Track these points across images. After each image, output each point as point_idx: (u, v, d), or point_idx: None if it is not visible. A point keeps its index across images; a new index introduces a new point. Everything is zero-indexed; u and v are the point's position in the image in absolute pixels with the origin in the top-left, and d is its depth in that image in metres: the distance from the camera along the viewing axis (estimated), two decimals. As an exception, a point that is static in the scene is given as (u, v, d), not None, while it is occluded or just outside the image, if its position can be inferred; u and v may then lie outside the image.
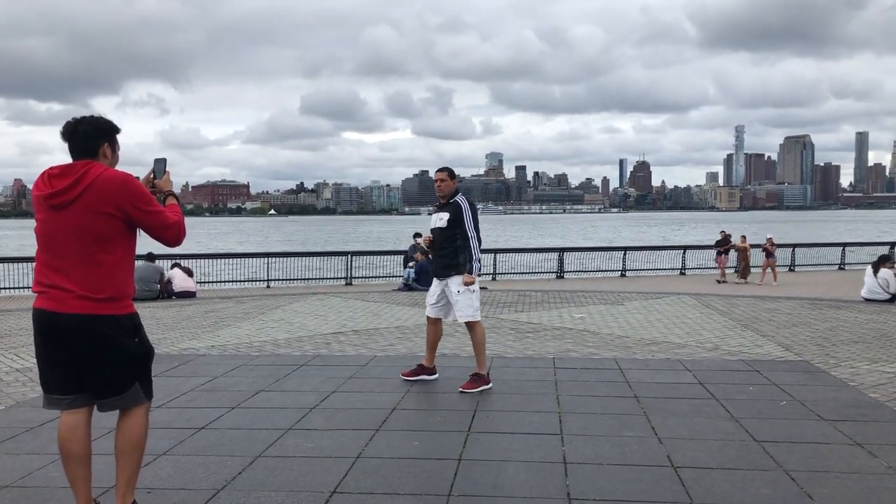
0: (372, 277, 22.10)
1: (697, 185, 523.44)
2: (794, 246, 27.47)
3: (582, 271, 23.96)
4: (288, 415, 4.97)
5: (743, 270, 21.17)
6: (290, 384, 5.93)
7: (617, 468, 3.91)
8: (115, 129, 3.15)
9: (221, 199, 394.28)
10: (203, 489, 3.64)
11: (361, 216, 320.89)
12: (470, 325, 5.88)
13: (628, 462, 4.00)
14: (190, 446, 4.33)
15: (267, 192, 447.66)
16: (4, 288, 17.77)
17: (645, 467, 3.92)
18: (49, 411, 3.30)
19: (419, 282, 15.88)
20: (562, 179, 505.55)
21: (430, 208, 6.22)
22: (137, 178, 3.32)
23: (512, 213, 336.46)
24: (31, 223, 3.25)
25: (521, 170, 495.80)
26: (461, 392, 5.60)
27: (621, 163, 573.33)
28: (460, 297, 5.76)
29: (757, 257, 21.76)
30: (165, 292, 14.53)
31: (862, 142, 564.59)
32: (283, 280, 21.04)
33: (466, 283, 5.75)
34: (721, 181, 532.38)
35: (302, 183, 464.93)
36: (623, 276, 23.70)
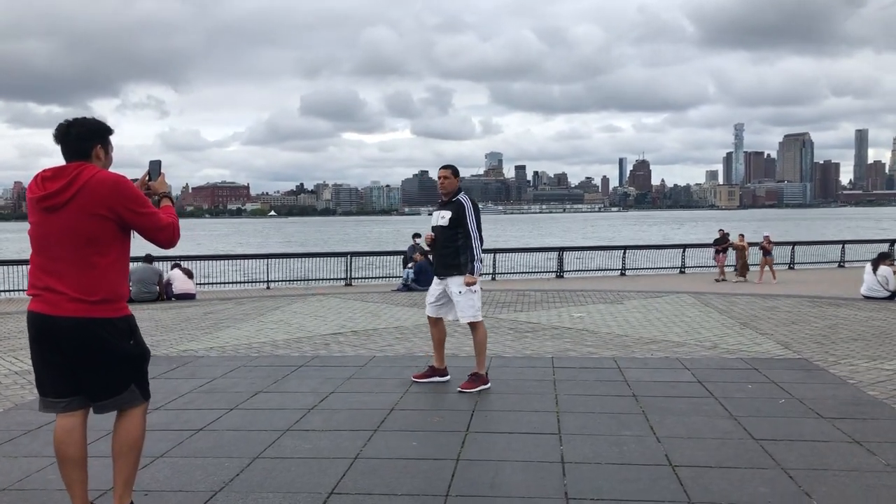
0: (371, 278, 22.11)
1: (697, 184, 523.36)
2: (794, 244, 27.46)
3: (581, 270, 23.96)
4: (286, 416, 4.97)
5: (741, 269, 21.17)
6: (289, 385, 5.93)
7: (615, 467, 3.90)
8: (108, 131, 3.14)
9: (221, 200, 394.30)
10: (201, 491, 3.64)
11: (361, 217, 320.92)
12: (472, 326, 5.85)
13: (626, 461, 4.00)
14: (188, 448, 4.33)
15: (267, 193, 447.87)
16: (4, 290, 17.77)
17: (643, 466, 3.91)
18: (46, 414, 3.30)
19: (418, 282, 15.88)
20: (561, 179, 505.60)
21: (431, 208, 6.19)
22: (135, 179, 3.33)
23: (512, 213, 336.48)
24: (33, 226, 3.24)
25: (520, 169, 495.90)
26: (459, 392, 5.59)
27: (621, 162, 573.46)
28: (461, 298, 5.73)
29: (755, 256, 21.75)
30: (165, 294, 14.51)
31: (861, 139, 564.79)
32: (282, 281, 21.04)
33: (468, 284, 5.73)
34: (721, 180, 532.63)
35: (302, 184, 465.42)
36: (623, 275, 23.69)
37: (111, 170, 3.14)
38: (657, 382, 5.88)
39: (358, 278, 21.60)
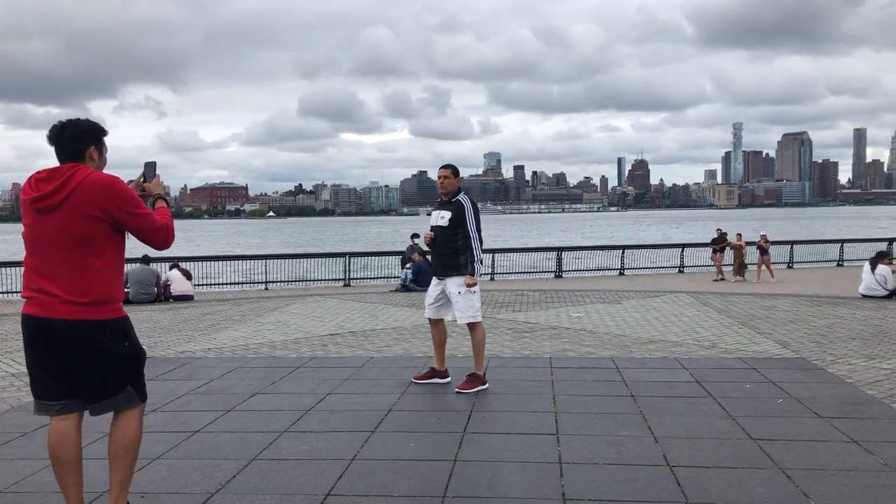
0: (370, 278, 22.10)
1: (696, 183, 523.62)
2: (793, 243, 27.48)
3: (580, 270, 23.96)
4: (283, 417, 4.96)
5: (738, 268, 21.17)
6: (286, 386, 5.92)
7: (612, 468, 3.90)
8: (102, 132, 3.13)
9: (220, 201, 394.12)
10: (197, 493, 3.63)
11: (360, 217, 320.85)
12: (471, 326, 5.83)
13: (624, 462, 3.99)
14: (185, 450, 4.32)
15: (265, 193, 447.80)
16: (1, 292, 17.76)
17: (641, 467, 3.91)
18: (43, 417, 3.29)
19: (417, 282, 15.88)
20: (560, 179, 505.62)
21: (430, 208, 6.16)
22: (130, 181, 3.32)
23: (510, 213, 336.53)
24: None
25: (519, 169, 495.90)
26: (457, 392, 5.59)
27: (619, 161, 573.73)
28: (461, 298, 5.71)
29: (752, 255, 21.76)
30: (163, 296, 14.50)
31: (860, 138, 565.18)
32: (281, 282, 21.03)
33: (469, 285, 5.70)
34: (719, 179, 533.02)
35: (300, 184, 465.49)
36: (621, 274, 23.70)
37: (105, 171, 3.13)
38: (655, 382, 5.87)
39: (356, 279, 21.60)
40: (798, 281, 19.83)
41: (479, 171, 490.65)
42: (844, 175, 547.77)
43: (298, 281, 21.17)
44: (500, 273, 22.94)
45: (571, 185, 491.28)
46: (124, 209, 3.00)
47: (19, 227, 3.13)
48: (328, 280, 21.27)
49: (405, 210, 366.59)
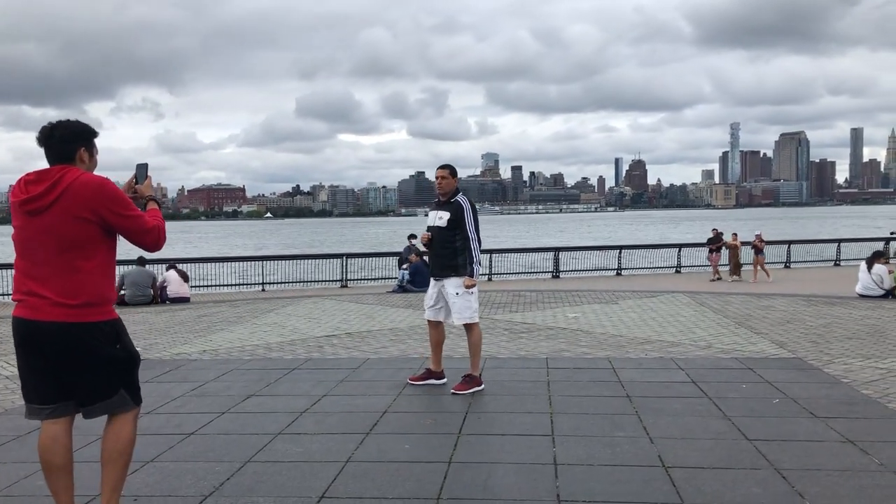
0: (367, 279, 22.08)
1: (693, 183, 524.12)
2: (790, 243, 27.51)
3: (578, 271, 23.96)
4: (278, 419, 4.94)
5: (734, 268, 21.18)
6: (281, 388, 5.90)
7: (608, 469, 3.89)
8: (93, 133, 3.11)
9: (217, 202, 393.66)
10: (190, 496, 3.61)
11: (358, 218, 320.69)
12: (467, 327, 5.81)
13: (619, 462, 3.98)
14: (178, 452, 4.30)
15: (263, 195, 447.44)
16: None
17: (636, 468, 3.90)
18: (35, 420, 3.27)
19: (414, 283, 15.87)
20: (558, 179, 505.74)
21: (428, 209, 6.13)
22: (117, 182, 3.30)
23: (508, 214, 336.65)
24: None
25: (517, 170, 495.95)
26: (453, 393, 5.57)
27: (617, 162, 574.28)
28: (458, 299, 5.70)
29: (748, 255, 21.79)
30: (159, 297, 14.46)
31: (857, 138, 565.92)
32: (278, 283, 21.00)
33: (468, 286, 5.69)
34: (717, 179, 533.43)
35: (298, 185, 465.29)
36: (619, 274, 23.70)
37: (100, 173, 3.11)
38: (651, 383, 5.86)
39: (354, 280, 21.57)
40: (795, 280, 19.84)
41: (477, 172, 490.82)
42: (841, 175, 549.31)
43: (296, 282, 21.15)
44: (497, 273, 22.92)
45: (569, 186, 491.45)
46: (115, 211, 2.98)
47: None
48: (325, 281, 21.25)
49: (403, 211, 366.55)
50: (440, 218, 5.78)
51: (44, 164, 3.05)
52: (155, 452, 4.26)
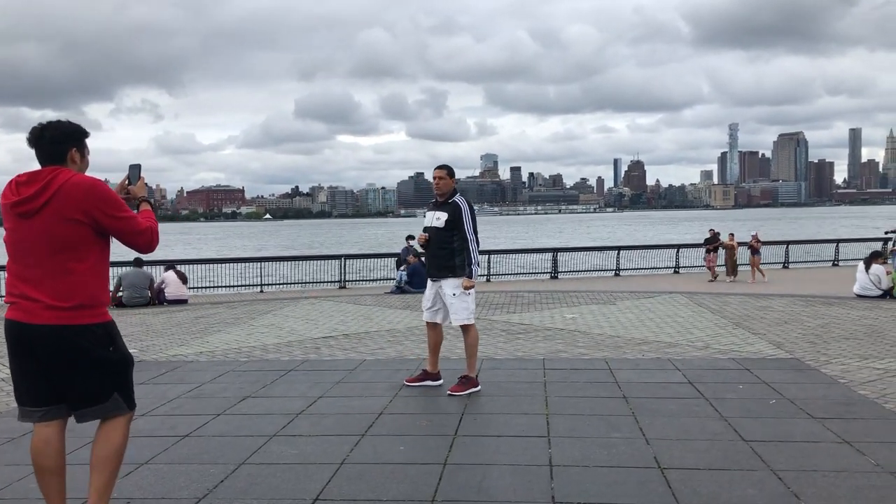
0: (366, 280, 22.06)
1: (692, 184, 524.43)
2: (788, 243, 27.51)
3: (576, 271, 23.95)
4: (274, 421, 4.92)
5: (731, 268, 21.17)
6: (277, 390, 5.89)
7: (603, 470, 3.87)
8: (84, 134, 3.09)
9: (216, 204, 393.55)
10: (184, 498, 3.60)
11: (357, 219, 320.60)
12: (464, 328, 5.80)
13: (615, 464, 3.97)
14: (173, 454, 4.28)
15: (262, 196, 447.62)
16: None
17: (631, 469, 3.88)
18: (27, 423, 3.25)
19: (412, 284, 15.85)
20: (557, 180, 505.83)
21: (426, 209, 6.11)
22: (108, 181, 3.28)
23: (507, 214, 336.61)
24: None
25: (516, 171, 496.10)
26: (449, 395, 5.56)
27: (616, 162, 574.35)
28: (456, 300, 5.68)
29: (744, 255, 21.80)
30: (157, 299, 14.44)
31: (855, 138, 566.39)
32: (276, 284, 20.98)
33: (467, 288, 5.67)
34: (715, 179, 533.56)
35: (297, 187, 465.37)
36: (617, 275, 23.70)
37: (98, 174, 3.09)
38: (648, 383, 5.85)
39: (352, 281, 21.55)
40: (793, 281, 19.84)
41: (476, 173, 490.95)
42: (840, 175, 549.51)
43: (294, 283, 21.13)
44: (495, 274, 22.91)
45: (568, 187, 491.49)
46: (107, 212, 2.96)
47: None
48: (324, 282, 21.23)
49: (402, 212, 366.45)
50: (438, 218, 5.76)
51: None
52: (149, 454, 4.25)
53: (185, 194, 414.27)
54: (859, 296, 12.61)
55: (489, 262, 22.61)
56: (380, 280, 21.48)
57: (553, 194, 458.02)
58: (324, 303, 12.69)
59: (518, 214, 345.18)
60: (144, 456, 4.21)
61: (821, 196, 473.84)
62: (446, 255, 5.73)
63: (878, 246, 23.40)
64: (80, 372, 2.95)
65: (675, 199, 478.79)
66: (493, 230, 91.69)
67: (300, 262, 22.39)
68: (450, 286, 5.71)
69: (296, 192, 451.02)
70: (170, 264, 16.43)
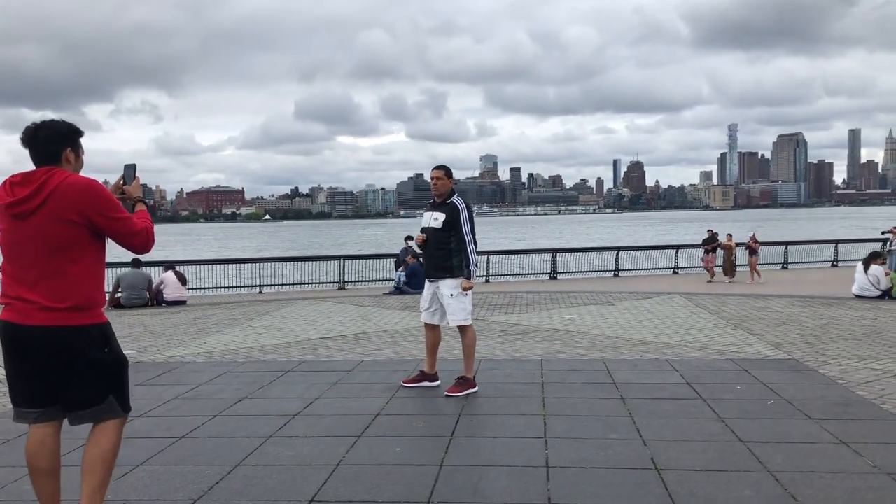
0: (364, 281, 22.05)
1: (691, 185, 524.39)
2: (787, 243, 27.50)
3: (575, 272, 23.94)
4: (270, 422, 4.91)
5: (729, 269, 21.16)
6: (275, 391, 5.87)
7: (600, 471, 3.86)
8: (78, 133, 3.07)
9: (216, 205, 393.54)
10: (179, 500, 3.58)
11: (357, 220, 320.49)
12: (461, 329, 5.79)
13: (611, 465, 3.95)
14: (168, 456, 4.27)
15: (262, 197, 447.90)
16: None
17: (628, 470, 3.87)
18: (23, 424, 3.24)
19: (410, 285, 15.84)
20: (556, 181, 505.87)
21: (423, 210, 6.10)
22: (106, 182, 3.27)
23: (507, 215, 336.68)
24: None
25: (515, 171, 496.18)
26: (446, 396, 5.55)
27: (615, 163, 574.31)
28: (453, 301, 5.67)
29: (742, 256, 21.79)
30: (155, 300, 14.42)
31: (855, 139, 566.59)
32: (275, 285, 20.96)
33: (465, 289, 5.66)
34: (715, 180, 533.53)
35: (297, 188, 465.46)
36: (616, 276, 23.69)
37: (96, 176, 3.08)
38: (645, 384, 5.84)
39: (351, 282, 21.54)
40: (792, 281, 19.83)
41: (476, 174, 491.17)
42: (839, 176, 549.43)
43: (293, 284, 21.12)
44: (495, 275, 22.90)
45: (567, 188, 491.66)
46: (103, 213, 2.95)
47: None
48: (323, 283, 21.22)
49: (402, 212, 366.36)
50: (435, 219, 5.75)
51: None
52: (144, 456, 4.23)
53: (184, 195, 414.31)
54: (858, 296, 12.59)
55: (488, 263, 22.60)
56: (379, 281, 21.46)
57: (553, 195, 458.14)
58: (322, 304, 12.67)
59: (518, 215, 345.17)
60: (140, 457, 4.19)
61: (820, 197, 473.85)
62: (444, 255, 5.71)
63: (877, 247, 23.38)
64: (76, 373, 2.94)
65: (674, 199, 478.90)
66: (492, 231, 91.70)
67: (299, 263, 22.38)
68: (447, 287, 5.69)
69: (295, 192, 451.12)
70: (169, 265, 16.40)
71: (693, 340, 7.93)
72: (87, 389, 2.97)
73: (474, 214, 5.97)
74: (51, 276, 2.89)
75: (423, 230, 5.87)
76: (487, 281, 21.81)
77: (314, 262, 22.42)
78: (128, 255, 10.78)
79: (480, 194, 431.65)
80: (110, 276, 14.97)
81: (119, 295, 13.96)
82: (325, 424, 4.86)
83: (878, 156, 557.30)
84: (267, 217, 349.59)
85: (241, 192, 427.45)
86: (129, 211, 3.18)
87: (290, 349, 7.86)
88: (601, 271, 24.10)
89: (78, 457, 3.87)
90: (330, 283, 21.16)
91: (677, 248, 26.08)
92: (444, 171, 5.87)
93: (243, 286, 20.90)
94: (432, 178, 5.90)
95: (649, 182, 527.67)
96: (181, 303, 14.62)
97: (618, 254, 24.75)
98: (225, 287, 20.62)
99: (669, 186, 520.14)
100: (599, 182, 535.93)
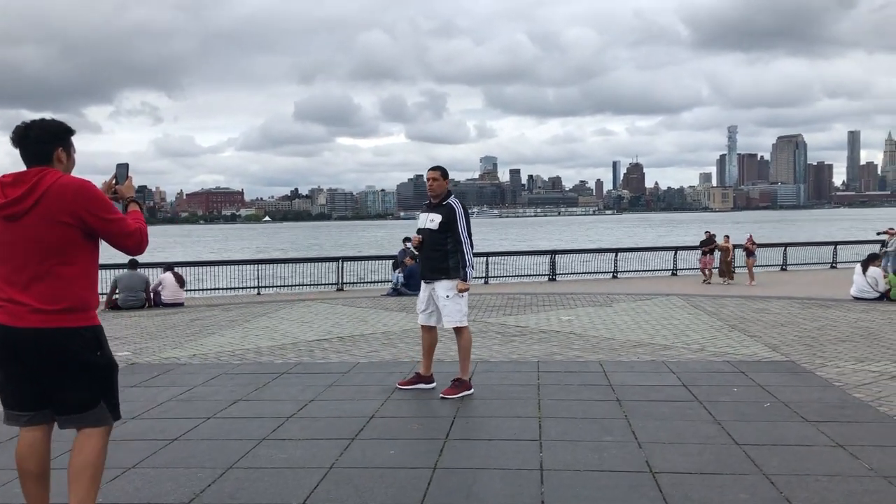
0: (363, 282, 22.01)
1: (691, 186, 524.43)
2: (786, 245, 27.49)
3: (574, 273, 23.92)
4: (264, 424, 4.88)
5: (726, 270, 21.14)
6: (269, 393, 5.85)
7: (594, 474, 3.84)
8: (69, 132, 3.03)
9: (216, 206, 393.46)
10: (170, 503, 3.56)
11: (356, 221, 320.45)
12: (457, 331, 5.77)
13: (606, 468, 3.93)
14: (161, 458, 4.24)
15: (261, 198, 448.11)
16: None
17: (623, 473, 3.85)
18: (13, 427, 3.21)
19: (408, 286, 15.81)
20: (556, 182, 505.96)
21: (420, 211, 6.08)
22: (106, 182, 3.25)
23: (506, 217, 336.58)
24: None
25: (515, 173, 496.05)
26: (442, 398, 5.52)
27: (615, 165, 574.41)
28: (449, 302, 5.65)
29: (740, 258, 21.76)
30: (153, 301, 14.39)
31: (854, 140, 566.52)
32: (273, 287, 20.92)
33: (461, 290, 5.64)
34: (714, 182, 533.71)
35: (296, 189, 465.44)
36: (615, 277, 23.67)
37: (93, 177, 3.05)
38: (642, 386, 5.81)
39: (349, 283, 21.51)
40: (790, 283, 19.81)
41: (476, 175, 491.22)
42: (839, 177, 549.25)
43: (291, 286, 21.08)
44: (494, 277, 22.87)
45: (567, 189, 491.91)
46: (96, 214, 2.91)
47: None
48: (321, 285, 21.18)
49: (402, 214, 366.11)
50: (431, 220, 5.73)
51: None
52: (136, 458, 4.20)
53: (184, 197, 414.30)
54: (856, 298, 12.58)
55: (487, 264, 22.58)
56: (377, 282, 21.43)
57: (552, 197, 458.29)
58: (319, 305, 12.65)
59: (517, 217, 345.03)
60: (132, 460, 4.17)
61: (820, 198, 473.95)
62: (440, 257, 5.69)
63: (875, 248, 23.36)
64: (70, 375, 2.90)
65: (674, 201, 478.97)
66: (492, 232, 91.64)
67: (297, 265, 22.35)
68: (443, 288, 5.67)
69: (295, 194, 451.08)
70: (168, 266, 16.38)
71: (690, 342, 7.91)
72: (80, 392, 2.93)
73: (471, 216, 5.95)
74: (44, 277, 2.86)
75: (420, 231, 5.85)
76: (486, 282, 21.78)
77: (312, 264, 22.38)
78: (124, 257, 10.76)
79: (480, 196, 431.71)
80: (108, 277, 14.97)
81: (116, 296, 13.93)
82: (319, 427, 4.83)
83: (878, 157, 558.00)
84: (267, 218, 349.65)
85: (241, 193, 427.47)
86: (121, 211, 3.15)
87: (286, 351, 7.84)
88: (600, 273, 24.08)
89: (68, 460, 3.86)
90: (328, 284, 21.13)
91: (676, 249, 26.06)
92: (441, 172, 5.85)
93: (241, 287, 20.87)
94: (428, 179, 5.88)
95: (649, 184, 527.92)
96: (179, 304, 14.59)
97: (616, 255, 24.74)
98: (223, 288, 20.58)
99: (669, 188, 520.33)
100: (599, 184, 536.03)
